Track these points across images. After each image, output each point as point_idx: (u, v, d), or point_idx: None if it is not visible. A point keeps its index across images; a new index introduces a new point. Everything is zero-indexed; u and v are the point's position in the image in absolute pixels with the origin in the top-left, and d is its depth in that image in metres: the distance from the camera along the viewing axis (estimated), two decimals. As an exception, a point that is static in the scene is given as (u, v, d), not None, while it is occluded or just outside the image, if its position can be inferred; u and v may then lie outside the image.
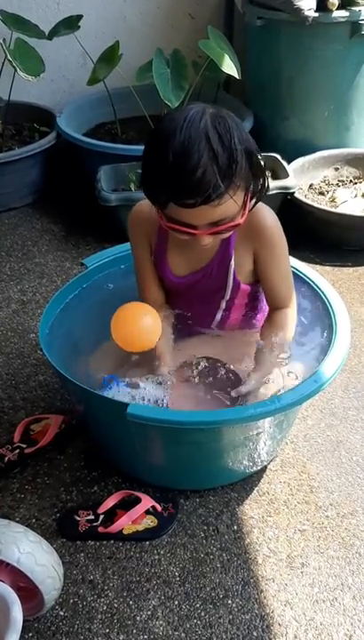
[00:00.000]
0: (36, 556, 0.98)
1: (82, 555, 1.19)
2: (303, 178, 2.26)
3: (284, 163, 2.17)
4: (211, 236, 1.05)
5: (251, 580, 1.14)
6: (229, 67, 2.09)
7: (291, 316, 1.24)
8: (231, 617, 1.09)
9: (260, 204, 1.15)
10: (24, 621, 0.92)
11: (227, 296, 1.24)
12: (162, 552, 1.19)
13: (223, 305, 1.26)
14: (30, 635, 1.07)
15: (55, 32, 2.34)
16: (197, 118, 0.95)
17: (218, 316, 1.28)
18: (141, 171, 1.04)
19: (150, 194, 1.04)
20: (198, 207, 0.96)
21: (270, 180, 2.14)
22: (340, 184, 2.30)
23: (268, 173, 2.19)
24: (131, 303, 1.23)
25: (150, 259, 1.26)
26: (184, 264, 1.23)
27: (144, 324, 1.19)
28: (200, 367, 1.21)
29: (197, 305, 1.27)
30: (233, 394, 1.11)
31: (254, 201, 1.09)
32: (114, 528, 1.19)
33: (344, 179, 2.33)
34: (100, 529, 1.20)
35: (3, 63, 2.24)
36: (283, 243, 1.19)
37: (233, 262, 1.18)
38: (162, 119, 1.01)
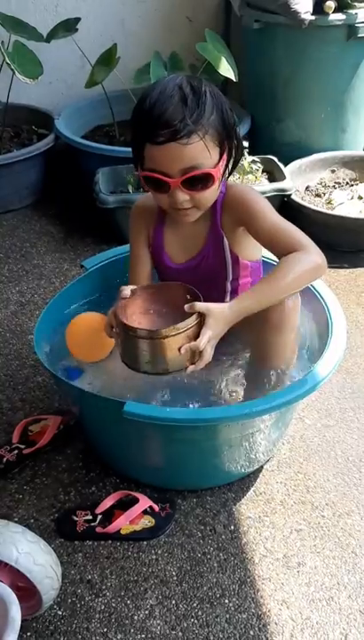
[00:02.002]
0: (35, 556, 0.99)
1: (80, 555, 1.20)
2: (299, 180, 2.27)
3: (281, 165, 2.18)
4: (186, 192, 1.09)
5: (248, 580, 1.15)
6: (226, 69, 2.10)
7: (300, 259, 1.10)
8: (228, 616, 1.10)
9: (236, 183, 1.20)
10: (22, 621, 0.92)
11: (230, 276, 1.25)
12: (159, 552, 1.20)
13: (229, 287, 1.27)
14: (29, 634, 1.07)
15: (53, 35, 2.35)
16: (174, 77, 1.09)
17: (228, 299, 1.29)
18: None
19: (132, 146, 1.12)
20: (168, 144, 1.04)
21: (267, 182, 2.16)
22: (336, 186, 2.31)
23: (264, 175, 2.21)
24: (85, 314, 1.24)
25: (145, 248, 1.31)
26: (181, 252, 1.27)
27: (98, 334, 1.19)
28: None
29: (204, 292, 1.28)
30: (186, 307, 1.06)
31: (232, 163, 1.15)
32: (112, 528, 1.20)
33: (341, 181, 2.34)
34: (98, 529, 1.21)
35: (1, 66, 2.24)
36: (260, 199, 1.19)
37: (225, 240, 1.22)
38: None
